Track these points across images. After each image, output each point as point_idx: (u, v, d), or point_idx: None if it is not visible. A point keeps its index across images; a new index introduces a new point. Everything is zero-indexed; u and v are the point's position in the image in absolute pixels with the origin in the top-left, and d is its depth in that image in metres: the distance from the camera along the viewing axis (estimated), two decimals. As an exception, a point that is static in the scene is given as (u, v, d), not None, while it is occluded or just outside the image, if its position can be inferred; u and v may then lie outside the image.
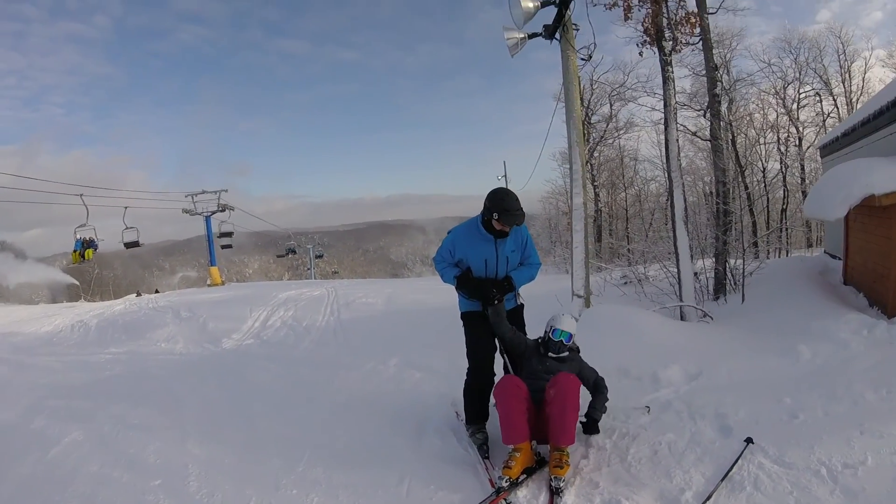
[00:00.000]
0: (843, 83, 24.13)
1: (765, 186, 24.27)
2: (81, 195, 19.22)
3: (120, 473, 3.59)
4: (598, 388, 3.61)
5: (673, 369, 4.68)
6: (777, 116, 24.37)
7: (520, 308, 3.98)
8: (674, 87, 7.63)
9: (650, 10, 7.36)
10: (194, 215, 26.66)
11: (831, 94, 24.10)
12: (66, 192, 19.26)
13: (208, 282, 25.11)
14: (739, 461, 3.09)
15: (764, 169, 24.47)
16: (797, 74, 24.16)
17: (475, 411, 3.78)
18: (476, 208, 3.77)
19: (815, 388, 4.04)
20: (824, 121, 23.87)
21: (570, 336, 3.59)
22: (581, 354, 3.76)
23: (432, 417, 4.22)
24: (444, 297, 5.53)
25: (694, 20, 7.71)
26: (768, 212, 24.63)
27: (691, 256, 7.65)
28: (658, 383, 4.52)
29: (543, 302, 6.17)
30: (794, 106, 24.27)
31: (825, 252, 10.90)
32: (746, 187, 20.26)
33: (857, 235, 7.20)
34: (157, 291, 22.62)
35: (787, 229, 22.50)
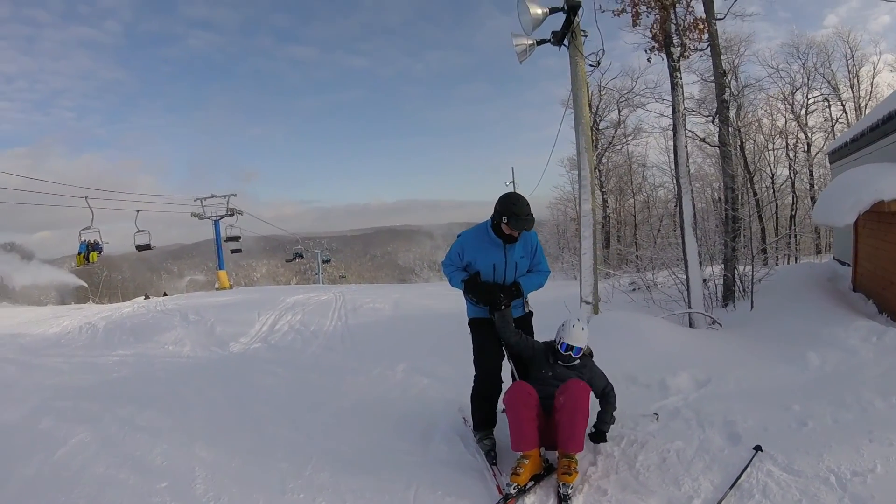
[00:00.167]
0: (852, 88, 24.05)
1: (773, 192, 24.21)
2: (86, 197, 19.45)
3: (126, 475, 3.60)
4: (605, 397, 3.56)
5: (681, 376, 4.64)
6: (785, 122, 24.37)
7: (528, 316, 3.93)
8: (682, 93, 7.64)
9: (658, 17, 7.39)
10: (203, 219, 26.76)
11: (840, 99, 24.00)
12: (74, 195, 19.50)
13: (216, 285, 25.15)
14: (748, 469, 3.06)
15: (772, 175, 24.41)
16: (805, 80, 24.14)
17: (483, 418, 3.76)
18: (483, 214, 3.75)
19: (824, 395, 4.01)
20: (833, 126, 23.77)
21: (580, 350, 3.52)
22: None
23: (439, 423, 4.20)
24: (452, 303, 5.54)
25: (702, 26, 7.73)
26: (777, 218, 24.56)
27: (700, 263, 7.63)
28: (666, 390, 4.49)
29: (551, 308, 6.15)
30: (803, 111, 24.21)
31: (834, 258, 10.84)
32: (755, 193, 20.24)
33: (866, 241, 7.15)
34: (165, 294, 22.69)
35: (795, 236, 22.43)
